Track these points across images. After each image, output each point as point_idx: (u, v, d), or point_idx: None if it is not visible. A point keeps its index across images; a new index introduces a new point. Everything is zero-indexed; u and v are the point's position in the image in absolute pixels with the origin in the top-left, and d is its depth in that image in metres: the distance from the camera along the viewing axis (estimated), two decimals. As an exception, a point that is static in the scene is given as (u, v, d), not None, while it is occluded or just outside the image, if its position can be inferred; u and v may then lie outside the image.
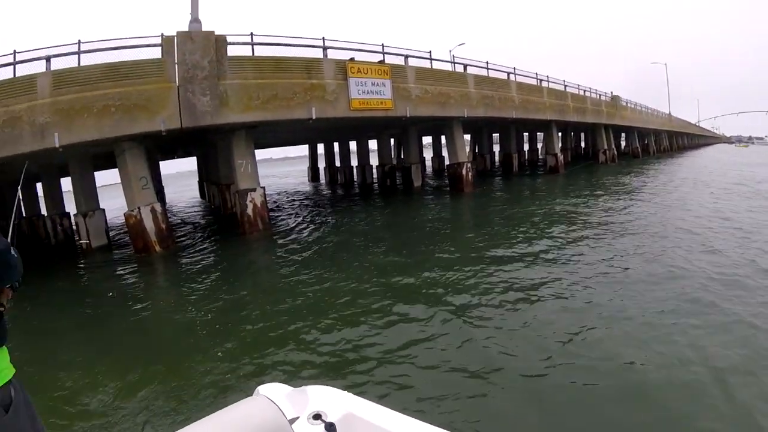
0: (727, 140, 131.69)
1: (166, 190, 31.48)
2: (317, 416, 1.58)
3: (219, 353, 5.03)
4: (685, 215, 11.15)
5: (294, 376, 4.29)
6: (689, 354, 4.10)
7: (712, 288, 5.73)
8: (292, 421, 1.56)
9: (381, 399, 3.53)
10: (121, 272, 10.54)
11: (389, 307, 5.98)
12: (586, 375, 3.89)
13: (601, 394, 3.64)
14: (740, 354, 4.05)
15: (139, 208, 11.79)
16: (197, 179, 33.73)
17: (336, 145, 33.65)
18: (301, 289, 7.29)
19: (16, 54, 11.48)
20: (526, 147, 37.92)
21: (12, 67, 11.30)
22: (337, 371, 4.41)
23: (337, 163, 33.56)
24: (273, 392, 1.81)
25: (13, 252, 1.56)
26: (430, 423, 1.54)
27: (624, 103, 38.23)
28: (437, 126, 20.44)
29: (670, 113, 58.56)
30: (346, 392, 1.77)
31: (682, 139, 70.82)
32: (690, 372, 3.83)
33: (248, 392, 1.94)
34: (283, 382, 1.97)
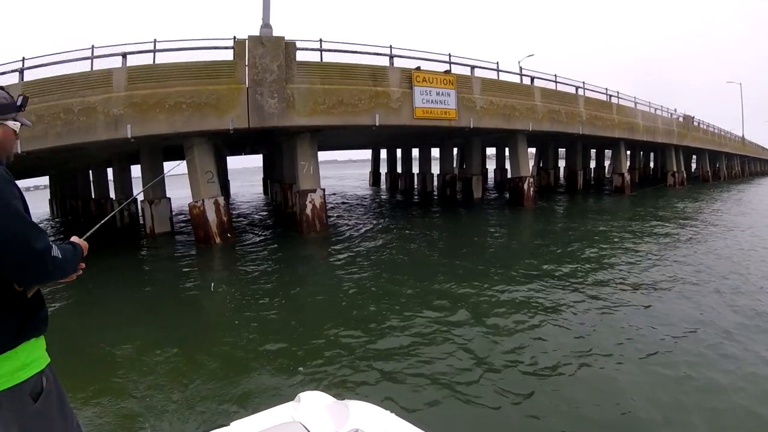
0: None
1: (231, 185, 32.61)
2: None
3: (265, 350, 5.14)
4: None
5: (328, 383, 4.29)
6: None
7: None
8: None
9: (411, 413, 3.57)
10: (181, 258, 11.18)
11: (433, 322, 5.83)
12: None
13: None
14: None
15: (203, 200, 12.30)
16: (262, 176, 34.62)
17: (399, 151, 33.83)
18: (346, 296, 7.31)
19: (94, 49, 12.16)
20: (592, 164, 36.65)
21: (90, 61, 11.99)
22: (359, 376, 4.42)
23: (399, 169, 33.68)
24: (314, 401, 1.81)
25: (56, 252, 1.58)
26: None
27: (696, 124, 36.36)
28: (501, 138, 20.05)
29: (743, 136, 55.35)
30: (387, 411, 1.71)
31: (755, 165, 66.81)
32: None
33: (291, 396, 1.93)
34: (325, 391, 1.98)
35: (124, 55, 11.85)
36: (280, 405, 1.85)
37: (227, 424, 1.73)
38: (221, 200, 12.72)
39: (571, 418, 3.58)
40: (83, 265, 1.80)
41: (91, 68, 11.86)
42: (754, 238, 11.48)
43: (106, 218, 2.60)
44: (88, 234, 2.08)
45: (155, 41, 12.52)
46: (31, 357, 1.56)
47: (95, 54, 12.06)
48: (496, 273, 8.24)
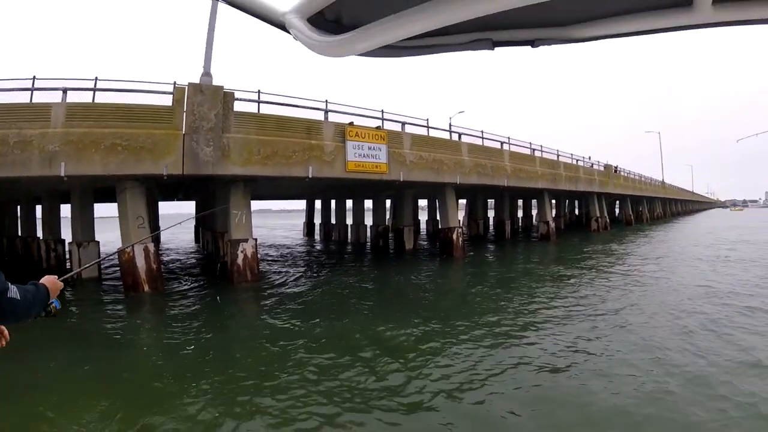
0: (722, 204, 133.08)
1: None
2: None
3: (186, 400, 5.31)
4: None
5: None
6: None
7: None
8: None
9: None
10: (108, 307, 10.94)
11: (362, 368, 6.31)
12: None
13: None
14: None
15: (133, 246, 12.03)
16: (194, 224, 33.93)
17: (333, 202, 34.05)
18: (269, 344, 7.56)
19: (35, 80, 12.08)
20: (520, 213, 38.58)
21: (30, 93, 11.85)
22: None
23: (333, 221, 33.85)
24: None
25: (13, 293, 1.64)
26: None
27: (617, 172, 39.20)
28: (432, 190, 20.94)
29: (663, 181, 59.86)
30: None
31: (676, 206, 71.99)
32: None
33: None
34: None
35: (64, 90, 11.71)
36: None
37: None
38: (151, 247, 12.56)
39: None
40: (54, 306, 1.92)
41: (30, 100, 11.70)
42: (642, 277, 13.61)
43: (89, 264, 2.80)
44: (66, 276, 2.19)
45: (96, 79, 12.55)
46: None
47: (35, 86, 11.96)
48: (417, 316, 9.11)
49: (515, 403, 5.06)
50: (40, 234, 19.51)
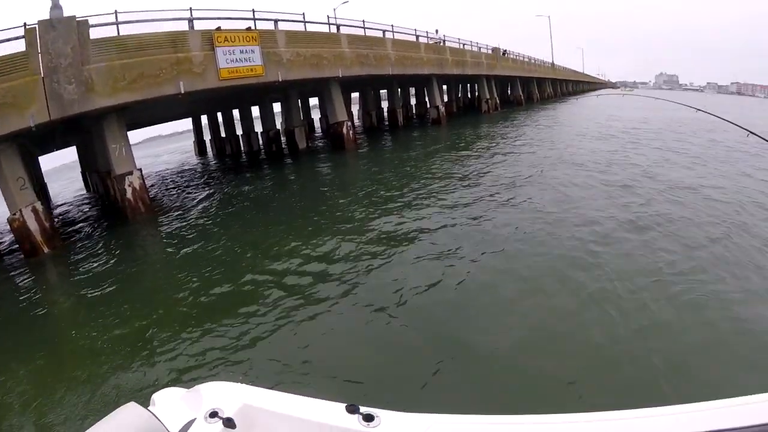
0: (613, 86, 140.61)
1: (51, 186, 29.63)
2: (214, 414, 1.53)
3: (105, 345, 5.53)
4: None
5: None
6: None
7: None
8: (188, 424, 1.52)
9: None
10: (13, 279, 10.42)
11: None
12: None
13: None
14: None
15: (20, 210, 11.42)
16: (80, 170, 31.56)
17: (219, 115, 32.82)
18: (175, 269, 8.16)
19: None
20: (414, 101, 39.26)
21: None
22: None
23: (223, 134, 32.80)
24: (168, 397, 1.75)
25: None
26: (325, 398, 1.55)
27: (505, 55, 40.51)
28: (318, 87, 21.00)
29: (553, 63, 62.51)
30: (240, 384, 1.73)
31: (567, 86, 75.62)
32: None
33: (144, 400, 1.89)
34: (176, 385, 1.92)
35: None
36: (112, 413, 1.61)
37: None
38: (39, 206, 11.88)
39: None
40: None
41: None
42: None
43: None
44: None
45: None
46: None
47: None
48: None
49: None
50: None
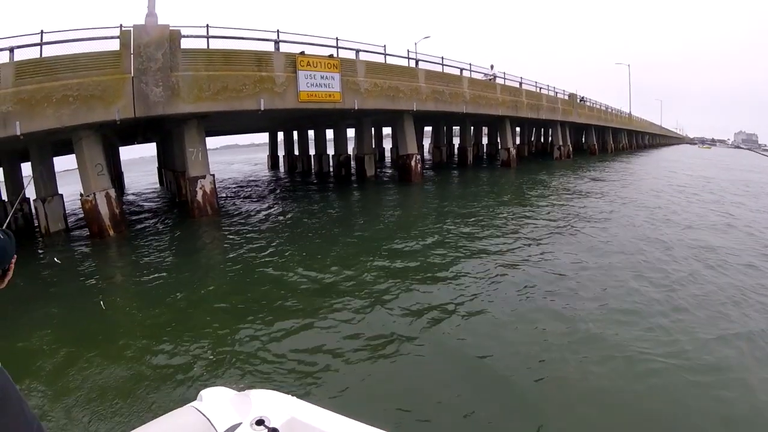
0: (690, 141, 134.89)
1: (127, 176, 31.58)
2: (260, 422, 1.54)
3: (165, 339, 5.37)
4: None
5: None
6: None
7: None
8: (234, 427, 1.53)
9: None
10: (76, 254, 11.13)
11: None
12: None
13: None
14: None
15: (94, 193, 12.21)
16: (157, 165, 33.44)
17: (295, 133, 33.93)
18: (228, 272, 8.20)
19: None
20: (485, 140, 38.90)
21: None
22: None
23: (297, 152, 33.77)
24: (216, 397, 1.76)
25: None
26: (374, 425, 1.53)
27: (581, 102, 39.56)
28: (390, 118, 21.19)
29: (630, 113, 60.60)
30: (289, 396, 1.73)
31: (642, 139, 72.98)
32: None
33: (193, 394, 1.96)
34: (225, 385, 1.96)
35: (11, 50, 11.46)
36: (182, 406, 1.75)
37: None
38: (112, 192, 12.70)
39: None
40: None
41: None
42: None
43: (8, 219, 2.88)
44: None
45: (42, 32, 12.27)
46: None
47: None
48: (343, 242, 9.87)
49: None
50: (4, 196, 19.33)
